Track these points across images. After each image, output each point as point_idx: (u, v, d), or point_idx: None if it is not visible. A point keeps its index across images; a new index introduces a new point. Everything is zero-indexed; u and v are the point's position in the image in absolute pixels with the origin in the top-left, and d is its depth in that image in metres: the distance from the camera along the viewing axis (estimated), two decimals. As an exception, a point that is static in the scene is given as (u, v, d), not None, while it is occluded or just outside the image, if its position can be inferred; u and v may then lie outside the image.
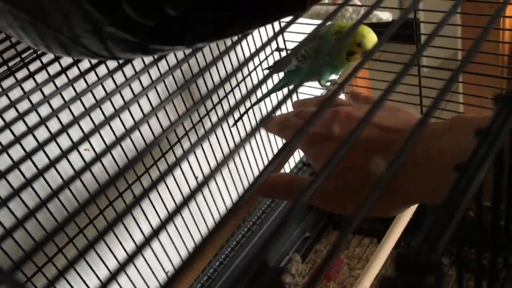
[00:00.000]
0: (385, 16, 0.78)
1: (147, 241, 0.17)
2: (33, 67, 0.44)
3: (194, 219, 0.81)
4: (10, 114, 0.53)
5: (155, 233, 0.17)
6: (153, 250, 0.75)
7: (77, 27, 0.23)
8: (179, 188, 0.78)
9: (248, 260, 0.89)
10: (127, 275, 0.72)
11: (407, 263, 0.12)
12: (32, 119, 0.57)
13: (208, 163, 0.82)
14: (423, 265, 0.12)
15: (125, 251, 0.71)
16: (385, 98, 0.20)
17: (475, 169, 0.15)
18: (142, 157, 0.22)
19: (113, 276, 0.17)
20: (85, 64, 0.58)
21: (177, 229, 0.79)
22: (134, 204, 0.21)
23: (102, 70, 0.61)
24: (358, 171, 0.39)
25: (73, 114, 0.61)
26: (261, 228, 0.96)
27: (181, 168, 0.77)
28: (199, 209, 0.83)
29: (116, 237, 0.70)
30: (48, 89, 0.57)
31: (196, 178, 0.84)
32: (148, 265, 0.75)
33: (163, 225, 0.17)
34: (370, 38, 0.58)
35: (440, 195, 0.34)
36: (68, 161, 0.63)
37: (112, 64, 0.58)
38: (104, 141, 0.65)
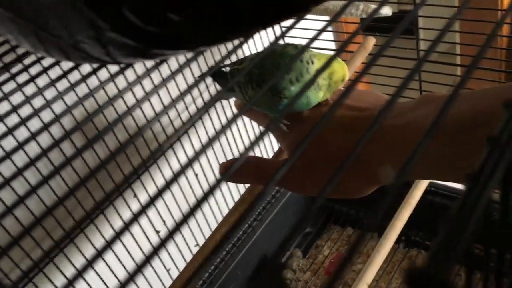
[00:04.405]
0: (384, 10, 0.77)
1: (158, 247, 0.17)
2: (34, 70, 0.44)
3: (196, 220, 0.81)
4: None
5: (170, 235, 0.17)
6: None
7: (78, 33, 0.23)
8: (179, 184, 0.78)
9: (249, 256, 0.89)
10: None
11: (419, 280, 0.12)
12: (33, 123, 0.57)
13: (208, 159, 0.82)
14: (435, 283, 0.12)
15: (131, 255, 0.71)
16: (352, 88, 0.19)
17: (486, 178, 0.15)
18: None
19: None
20: (86, 68, 0.58)
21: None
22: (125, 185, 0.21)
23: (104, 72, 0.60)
24: (323, 149, 0.40)
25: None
26: (261, 224, 0.96)
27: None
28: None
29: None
30: (49, 92, 0.57)
31: (196, 175, 0.84)
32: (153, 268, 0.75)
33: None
34: (348, 74, 0.44)
35: (421, 172, 0.35)
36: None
37: (113, 67, 0.58)
38: (106, 145, 0.65)
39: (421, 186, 0.82)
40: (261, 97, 0.44)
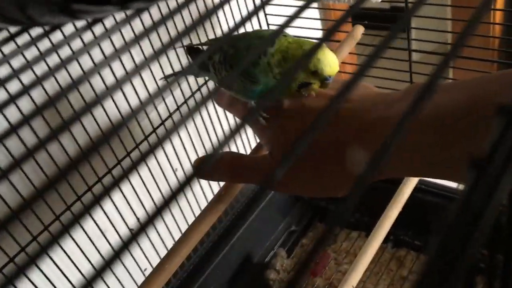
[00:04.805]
0: (374, -1, 0.73)
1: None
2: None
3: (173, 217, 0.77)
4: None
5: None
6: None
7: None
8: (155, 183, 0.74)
9: (230, 255, 0.85)
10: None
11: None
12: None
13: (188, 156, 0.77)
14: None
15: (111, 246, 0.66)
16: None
17: (499, 164, 0.11)
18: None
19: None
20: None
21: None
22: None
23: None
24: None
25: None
26: (244, 222, 0.92)
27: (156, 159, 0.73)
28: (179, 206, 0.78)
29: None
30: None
31: (175, 170, 0.79)
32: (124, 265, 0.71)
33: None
34: (329, 60, 0.38)
35: (395, 165, 0.33)
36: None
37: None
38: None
39: (411, 183, 0.78)
40: (234, 79, 0.40)
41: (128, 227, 0.71)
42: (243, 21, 0.22)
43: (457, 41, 0.14)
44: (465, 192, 0.11)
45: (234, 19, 0.78)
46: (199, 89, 0.76)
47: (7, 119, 0.54)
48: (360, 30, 0.72)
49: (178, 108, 0.73)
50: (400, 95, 0.35)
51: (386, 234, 0.76)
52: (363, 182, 0.11)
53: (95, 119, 0.63)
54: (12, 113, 0.55)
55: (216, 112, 0.81)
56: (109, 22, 0.58)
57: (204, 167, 0.44)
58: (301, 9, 0.19)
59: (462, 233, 0.12)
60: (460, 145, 0.30)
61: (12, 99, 0.22)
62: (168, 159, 0.74)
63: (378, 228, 0.75)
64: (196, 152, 0.79)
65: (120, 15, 0.59)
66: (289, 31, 0.75)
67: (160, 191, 0.75)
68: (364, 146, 0.34)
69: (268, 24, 0.85)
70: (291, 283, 0.12)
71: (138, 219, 0.73)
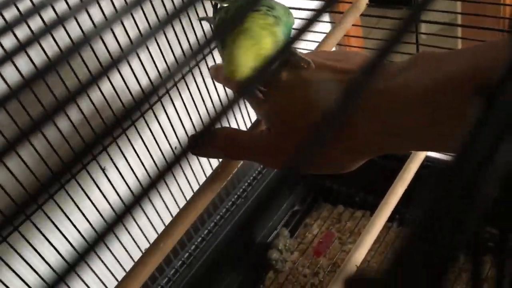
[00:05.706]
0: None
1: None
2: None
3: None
4: None
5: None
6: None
7: None
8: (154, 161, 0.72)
9: (232, 235, 0.84)
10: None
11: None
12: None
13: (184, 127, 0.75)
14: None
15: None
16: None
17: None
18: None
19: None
20: None
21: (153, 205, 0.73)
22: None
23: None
24: (309, 114, 0.36)
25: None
26: (246, 201, 0.90)
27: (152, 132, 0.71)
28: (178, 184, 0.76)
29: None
30: None
31: (175, 148, 0.77)
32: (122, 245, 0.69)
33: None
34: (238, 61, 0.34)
35: (400, 141, 0.32)
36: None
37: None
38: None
39: (417, 160, 0.76)
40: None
41: (123, 202, 0.69)
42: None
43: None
44: (471, 128, 0.08)
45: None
46: (197, 64, 0.74)
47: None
48: (364, 0, 0.69)
49: (175, 83, 0.71)
50: (405, 64, 0.33)
51: (391, 213, 0.73)
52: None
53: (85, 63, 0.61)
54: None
55: (213, 82, 0.78)
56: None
57: (198, 144, 0.42)
58: None
59: (460, 195, 0.10)
60: (457, 118, 0.28)
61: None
62: (162, 130, 0.72)
63: (383, 207, 0.73)
64: (193, 124, 0.77)
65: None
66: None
67: (154, 162, 0.73)
68: (365, 118, 0.33)
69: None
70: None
71: (132, 192, 0.71)
